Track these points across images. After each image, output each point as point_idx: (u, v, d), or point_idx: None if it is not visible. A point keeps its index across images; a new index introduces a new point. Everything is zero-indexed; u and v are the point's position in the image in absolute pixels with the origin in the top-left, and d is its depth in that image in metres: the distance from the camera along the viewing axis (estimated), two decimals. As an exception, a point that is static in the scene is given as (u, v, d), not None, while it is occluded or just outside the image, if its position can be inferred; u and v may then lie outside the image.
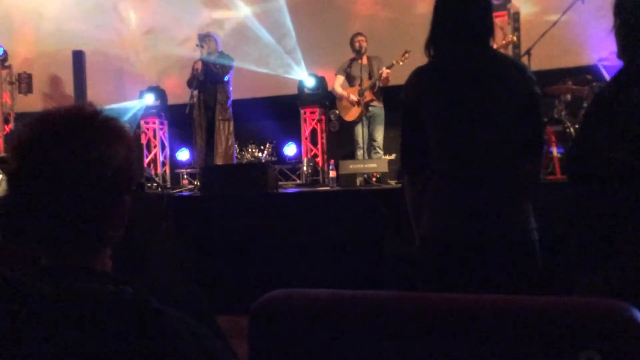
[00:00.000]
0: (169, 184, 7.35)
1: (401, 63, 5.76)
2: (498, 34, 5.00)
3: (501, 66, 1.84)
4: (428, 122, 1.86)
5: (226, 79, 6.35)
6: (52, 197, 0.91)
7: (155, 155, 7.60)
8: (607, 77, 4.96)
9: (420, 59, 2.06)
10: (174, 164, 7.80)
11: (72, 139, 0.92)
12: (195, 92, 6.32)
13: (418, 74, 1.93)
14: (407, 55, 5.75)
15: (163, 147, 7.76)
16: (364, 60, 6.20)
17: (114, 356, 0.79)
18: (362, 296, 0.83)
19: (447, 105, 1.83)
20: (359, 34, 6.25)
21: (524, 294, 0.91)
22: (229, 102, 6.41)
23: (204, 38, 6.33)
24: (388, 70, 5.87)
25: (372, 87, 6.07)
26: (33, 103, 8.24)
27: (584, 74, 5.24)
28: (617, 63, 4.93)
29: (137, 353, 0.80)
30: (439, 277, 1.82)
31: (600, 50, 5.23)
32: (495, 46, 4.58)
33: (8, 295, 0.89)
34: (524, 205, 1.82)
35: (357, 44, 6.18)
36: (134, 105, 7.52)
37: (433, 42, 1.88)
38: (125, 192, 1.01)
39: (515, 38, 4.96)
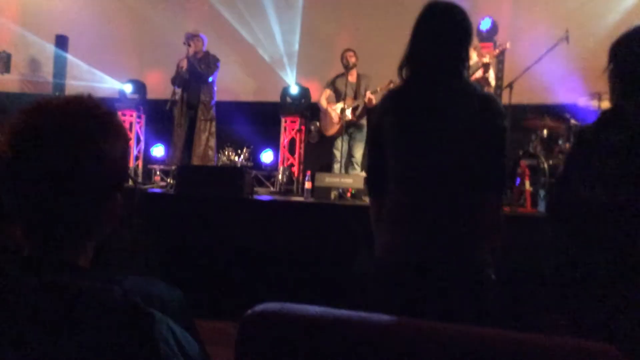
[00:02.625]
0: (140, 179, 7.26)
1: (384, 92, 5.83)
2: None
3: (466, 97, 1.80)
4: (386, 146, 1.86)
5: (211, 79, 6.33)
6: (45, 189, 0.89)
7: (130, 147, 7.50)
8: (584, 117, 5.08)
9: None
10: (148, 159, 7.71)
11: (71, 132, 0.90)
12: (179, 90, 6.29)
13: (385, 97, 1.94)
14: (391, 84, 5.83)
15: (138, 141, 7.67)
16: (353, 77, 6.23)
17: (96, 356, 0.78)
18: (353, 317, 0.83)
19: (404, 130, 1.81)
20: (348, 49, 6.27)
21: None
22: (213, 102, 6.40)
23: (192, 37, 6.32)
24: (371, 96, 5.92)
25: (354, 109, 6.10)
26: (9, 83, 8.08)
27: (562, 111, 5.36)
28: (596, 105, 5.01)
29: (120, 354, 0.79)
30: (384, 299, 1.80)
31: (580, 90, 5.38)
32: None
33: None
34: (478, 238, 1.77)
35: (344, 60, 6.22)
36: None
37: (407, 65, 1.86)
38: (118, 188, 1.00)
39: (487, 60, 5.04)
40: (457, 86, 1.81)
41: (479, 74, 5.20)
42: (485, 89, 5.27)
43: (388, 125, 1.85)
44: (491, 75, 5.24)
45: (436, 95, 1.79)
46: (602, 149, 1.65)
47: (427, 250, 1.74)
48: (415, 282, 1.74)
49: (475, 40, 5.51)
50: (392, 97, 1.91)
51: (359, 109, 6.12)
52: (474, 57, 4.94)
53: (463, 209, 1.77)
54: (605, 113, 1.76)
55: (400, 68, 1.87)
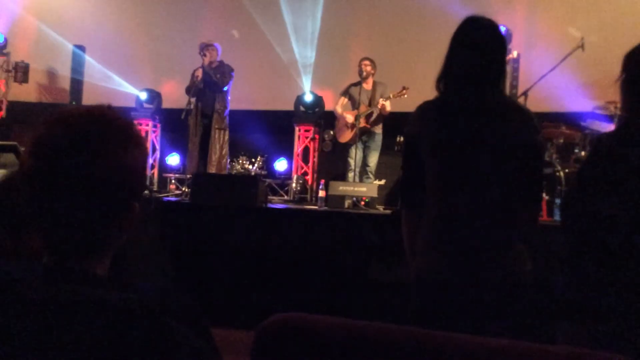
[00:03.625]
0: (156, 188, 7.31)
1: (398, 98, 5.85)
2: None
3: (507, 110, 1.84)
4: (426, 157, 1.86)
5: (225, 88, 6.37)
6: (64, 199, 0.90)
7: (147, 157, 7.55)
8: (601, 125, 5.04)
9: (424, 91, 2.08)
10: (163, 168, 7.76)
11: (91, 143, 0.91)
12: (193, 100, 6.34)
13: (423, 108, 1.93)
14: (404, 91, 5.83)
15: (154, 150, 7.73)
16: (369, 85, 6.23)
17: None
18: (369, 327, 0.83)
19: (445, 142, 1.83)
20: (365, 58, 6.27)
21: (511, 338, 0.91)
22: (227, 111, 6.44)
23: (206, 47, 6.37)
24: (384, 103, 5.92)
25: (367, 116, 6.11)
26: (27, 93, 8.20)
27: (578, 119, 5.32)
28: (613, 112, 4.98)
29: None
30: (429, 314, 1.81)
31: (596, 98, 5.33)
32: None
33: (3, 292, 0.88)
34: (518, 247, 1.81)
35: (360, 68, 6.23)
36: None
37: (444, 78, 1.88)
38: (136, 198, 1.01)
39: None
40: (499, 99, 1.85)
41: None
42: None
43: (428, 136, 1.86)
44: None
45: (481, 107, 1.82)
46: (619, 166, 1.64)
47: (469, 265, 1.76)
48: (459, 297, 1.75)
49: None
50: (430, 109, 1.92)
51: (373, 116, 6.12)
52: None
53: (504, 221, 1.79)
54: (621, 128, 1.76)
55: (439, 80, 1.89)
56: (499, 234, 1.78)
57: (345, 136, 6.32)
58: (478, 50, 1.83)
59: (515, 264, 1.79)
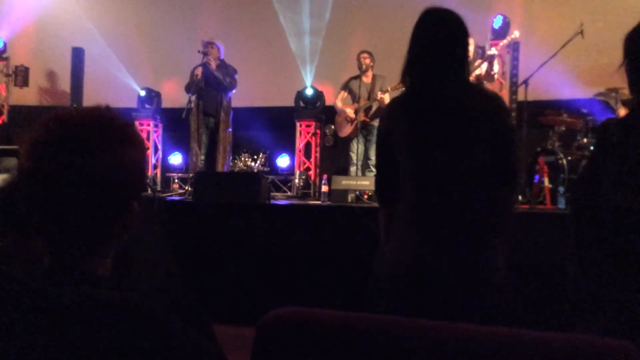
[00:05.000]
0: (159, 187, 7.32)
1: (394, 91, 5.84)
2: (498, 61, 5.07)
3: (473, 98, 1.83)
4: (398, 151, 1.87)
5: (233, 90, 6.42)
6: (64, 200, 0.90)
7: (147, 157, 7.56)
8: (602, 111, 5.02)
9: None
10: (165, 167, 7.77)
11: (89, 143, 0.91)
12: (193, 98, 6.32)
13: (392, 103, 1.95)
14: (400, 84, 5.81)
15: (156, 150, 7.74)
16: (368, 78, 6.21)
17: None
18: (368, 319, 0.83)
19: (415, 135, 1.83)
20: (363, 51, 6.26)
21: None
22: (230, 110, 6.45)
23: (207, 45, 6.34)
24: (382, 96, 5.91)
25: (367, 109, 6.10)
26: (28, 96, 8.21)
27: (580, 107, 5.31)
28: (613, 98, 4.96)
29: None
30: (385, 301, 1.81)
31: (597, 84, 5.31)
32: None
33: (7, 294, 0.88)
34: (491, 241, 1.78)
35: (359, 61, 6.22)
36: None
37: (409, 72, 1.88)
38: (135, 198, 1.01)
39: (493, 52, 5.03)
40: (464, 87, 1.85)
41: (484, 67, 5.17)
42: (488, 85, 5.26)
43: (398, 130, 1.86)
44: (495, 69, 5.22)
45: (443, 98, 1.81)
46: (631, 153, 1.63)
47: (440, 251, 1.74)
48: (427, 282, 1.73)
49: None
50: (399, 103, 1.93)
51: (372, 110, 6.11)
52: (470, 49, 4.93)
53: (477, 209, 1.77)
54: (631, 115, 1.73)
55: (403, 75, 1.89)
56: (472, 226, 1.76)
57: (345, 130, 6.31)
58: (435, 42, 1.83)
59: (487, 262, 1.76)
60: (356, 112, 6.11)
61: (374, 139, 6.17)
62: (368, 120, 6.13)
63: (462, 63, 1.85)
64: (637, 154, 1.61)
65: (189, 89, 6.37)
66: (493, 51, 5.12)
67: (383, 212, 1.99)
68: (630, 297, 1.58)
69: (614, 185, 1.63)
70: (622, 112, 4.74)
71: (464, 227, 1.76)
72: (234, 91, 6.44)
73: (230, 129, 6.43)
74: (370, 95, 6.13)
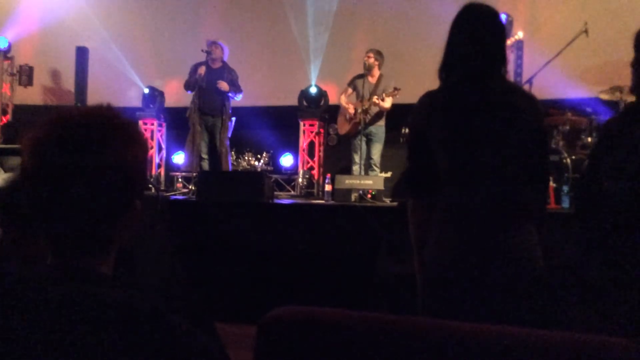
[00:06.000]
0: (163, 187, 7.33)
1: (389, 98, 5.84)
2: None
3: (513, 96, 1.82)
4: (436, 147, 1.84)
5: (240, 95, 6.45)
6: (66, 198, 0.90)
7: (151, 156, 7.59)
8: (606, 111, 5.01)
9: (429, 82, 2.07)
10: (169, 166, 7.78)
11: (90, 142, 0.91)
12: (195, 97, 6.33)
13: (428, 98, 1.90)
14: (396, 92, 5.80)
15: (160, 149, 7.75)
16: (374, 78, 6.14)
17: None
18: (369, 318, 0.83)
19: (455, 131, 1.80)
20: (369, 50, 6.17)
21: (527, 327, 0.91)
22: (230, 110, 6.48)
23: (212, 45, 6.34)
24: (377, 101, 5.88)
25: (365, 110, 6.06)
26: (32, 96, 8.23)
27: (584, 106, 5.29)
28: (617, 97, 4.94)
29: (141, 358, 0.80)
30: (440, 305, 1.78)
31: (601, 83, 5.30)
32: None
33: (9, 293, 0.88)
34: (531, 236, 1.77)
35: (364, 60, 6.19)
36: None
37: (446, 67, 1.86)
38: (137, 196, 1.01)
39: None
40: (503, 84, 1.84)
41: None
42: None
43: (436, 126, 1.83)
44: None
45: (487, 95, 1.80)
46: (626, 143, 1.62)
47: (485, 250, 1.73)
48: (472, 288, 1.72)
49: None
50: (437, 99, 1.88)
51: (373, 112, 6.07)
52: None
53: (521, 208, 1.77)
54: (631, 108, 1.73)
55: (441, 70, 1.87)
56: (513, 228, 1.75)
57: (344, 128, 6.31)
58: (478, 38, 1.81)
59: (529, 259, 1.75)
60: (356, 112, 6.10)
61: (376, 138, 6.16)
62: (366, 121, 6.08)
63: (503, 61, 1.85)
64: (633, 142, 1.60)
65: (188, 86, 6.36)
66: None
67: (414, 207, 1.94)
68: (634, 296, 1.58)
69: (609, 172, 1.63)
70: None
71: (509, 227, 1.75)
72: (240, 97, 6.46)
73: (229, 135, 6.45)
74: (374, 95, 6.10)
